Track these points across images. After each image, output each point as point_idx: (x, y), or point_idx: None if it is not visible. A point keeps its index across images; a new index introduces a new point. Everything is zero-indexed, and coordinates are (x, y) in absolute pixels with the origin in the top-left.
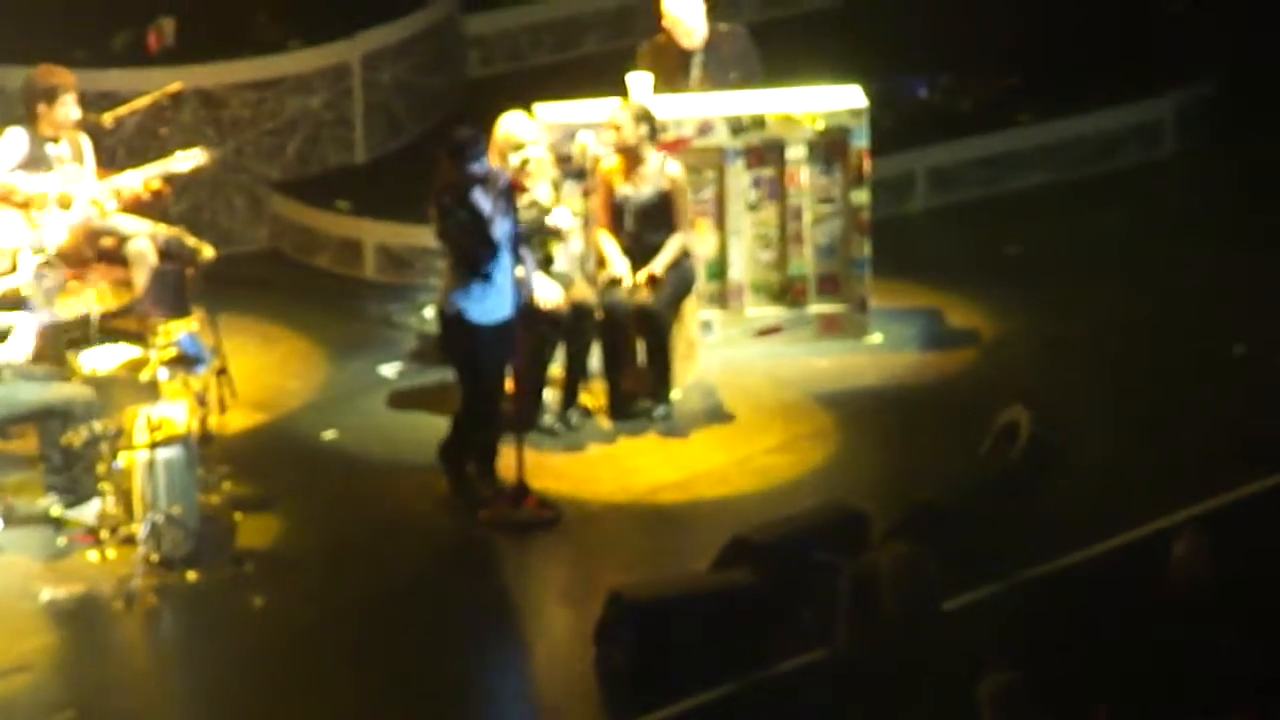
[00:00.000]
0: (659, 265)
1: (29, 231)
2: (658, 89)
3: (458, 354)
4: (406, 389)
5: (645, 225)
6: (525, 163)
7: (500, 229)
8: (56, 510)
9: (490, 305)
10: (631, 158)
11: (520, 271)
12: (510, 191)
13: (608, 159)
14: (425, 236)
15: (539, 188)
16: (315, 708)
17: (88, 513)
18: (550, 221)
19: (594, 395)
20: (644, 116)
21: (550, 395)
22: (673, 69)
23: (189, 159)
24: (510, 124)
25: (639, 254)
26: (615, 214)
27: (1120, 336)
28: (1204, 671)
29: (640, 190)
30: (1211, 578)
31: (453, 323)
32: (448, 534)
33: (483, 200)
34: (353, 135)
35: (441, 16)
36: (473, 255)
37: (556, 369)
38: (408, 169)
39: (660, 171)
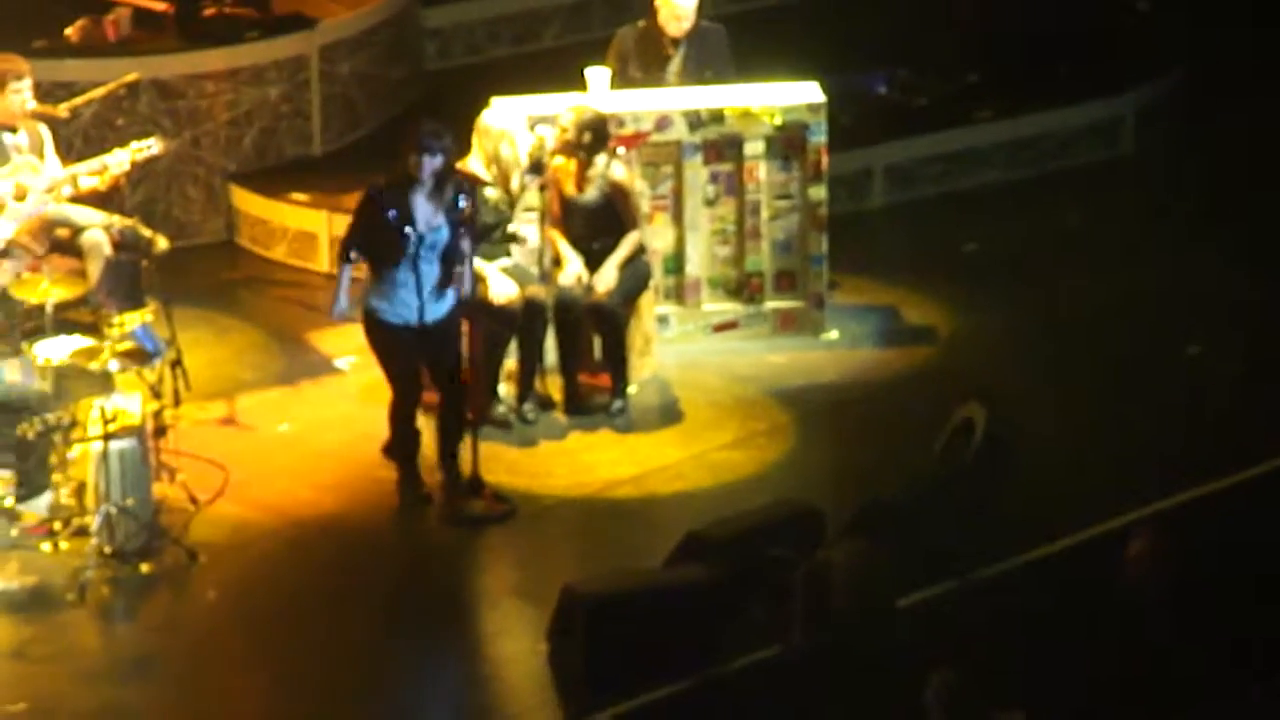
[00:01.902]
0: (613, 263)
1: None
2: (634, 74)
3: (372, 349)
4: (361, 381)
5: (591, 228)
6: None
7: (433, 237)
8: (9, 501)
9: (397, 307)
10: (578, 162)
11: (473, 269)
12: (458, 197)
13: (556, 158)
14: None
15: (513, 180)
16: (268, 700)
17: (40, 504)
18: (512, 229)
19: (553, 388)
20: (590, 124)
21: (505, 389)
22: (652, 56)
23: (145, 149)
24: (496, 117)
25: (588, 256)
26: (565, 214)
27: (1078, 334)
28: (1156, 672)
29: (584, 195)
30: (1165, 578)
31: (365, 318)
32: (400, 528)
33: (419, 199)
34: (310, 127)
35: (400, 9)
36: (379, 252)
37: (512, 363)
38: (365, 161)
39: (603, 176)
